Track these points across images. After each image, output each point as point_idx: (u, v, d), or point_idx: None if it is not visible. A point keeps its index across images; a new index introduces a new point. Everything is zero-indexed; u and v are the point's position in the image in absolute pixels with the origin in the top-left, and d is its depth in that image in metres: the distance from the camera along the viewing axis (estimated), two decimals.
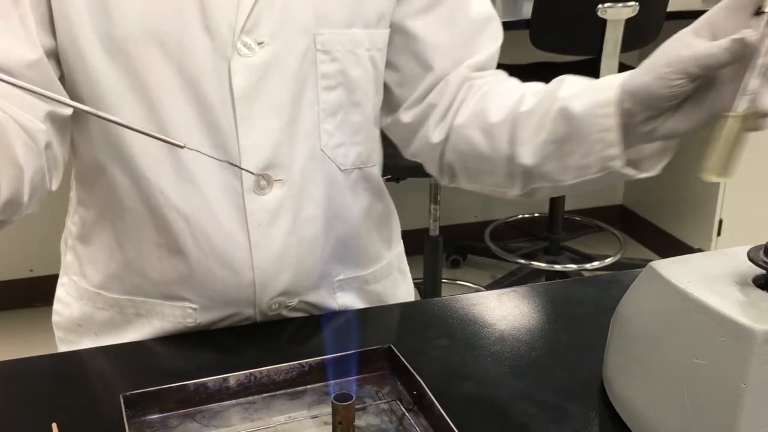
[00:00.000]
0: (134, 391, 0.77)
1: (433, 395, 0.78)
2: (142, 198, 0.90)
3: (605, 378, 0.83)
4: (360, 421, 0.78)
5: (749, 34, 0.68)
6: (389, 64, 0.98)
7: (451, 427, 0.73)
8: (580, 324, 0.98)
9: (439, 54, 0.96)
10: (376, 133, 1.00)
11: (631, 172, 0.81)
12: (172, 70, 0.85)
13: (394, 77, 0.99)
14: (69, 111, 0.88)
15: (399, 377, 0.83)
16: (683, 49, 0.72)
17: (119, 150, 0.88)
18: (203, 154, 0.80)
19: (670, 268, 0.74)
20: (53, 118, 0.86)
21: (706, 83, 0.72)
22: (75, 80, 0.86)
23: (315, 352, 0.90)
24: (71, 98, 0.86)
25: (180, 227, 0.90)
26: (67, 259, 1.01)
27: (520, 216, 3.34)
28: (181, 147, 0.69)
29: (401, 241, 1.13)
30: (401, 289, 1.11)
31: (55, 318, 1.03)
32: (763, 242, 0.70)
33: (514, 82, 0.97)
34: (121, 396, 0.76)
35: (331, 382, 0.84)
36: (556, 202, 3.03)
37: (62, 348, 1.02)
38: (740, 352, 0.65)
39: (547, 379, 0.87)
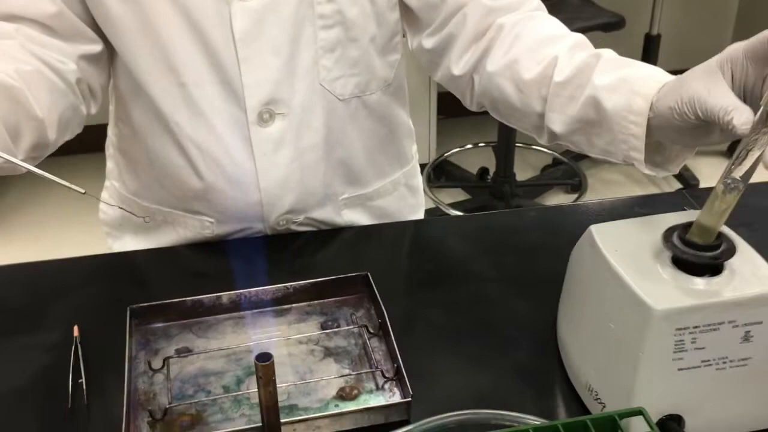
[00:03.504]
0: (140, 304, 0.91)
1: (402, 321, 0.88)
2: (162, 126, 1.00)
3: (557, 319, 0.91)
4: (330, 342, 0.90)
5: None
6: None
7: (397, 357, 0.84)
8: None
9: None
10: (379, 63, 1.04)
11: (651, 171, 0.84)
12: (177, 14, 0.93)
13: (415, 2, 1.03)
14: (99, 48, 0.98)
15: (371, 303, 0.94)
16: (702, 90, 0.72)
17: (137, 84, 0.98)
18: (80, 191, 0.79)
19: (606, 234, 0.80)
20: (85, 58, 0.97)
21: None
22: (99, 24, 0.96)
23: (317, 264, 1.02)
24: (102, 39, 0.97)
25: (194, 154, 1.00)
26: (109, 165, 1.15)
27: None
28: (82, 193, 0.76)
29: (415, 159, 1.20)
30: (407, 203, 1.19)
31: (101, 215, 1.18)
32: None
33: (547, 26, 0.97)
34: (128, 308, 0.91)
35: (314, 302, 0.95)
36: None
37: (109, 240, 1.17)
38: (641, 325, 0.72)
39: (519, 309, 0.95)
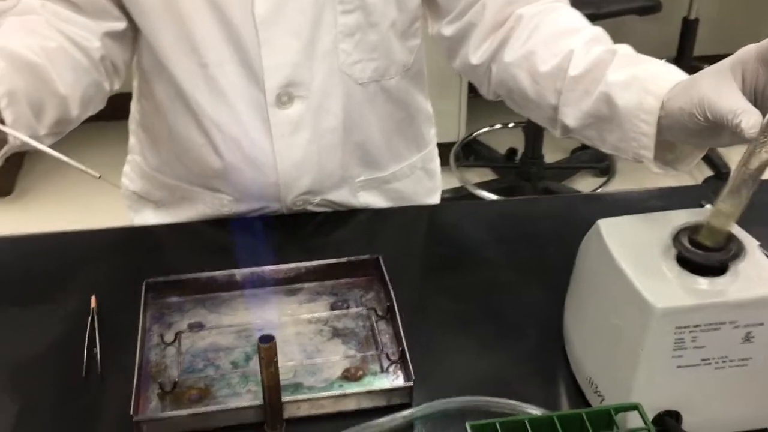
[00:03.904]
0: (155, 279, 0.94)
1: (411, 305, 0.90)
2: (183, 105, 1.02)
3: (564, 310, 0.92)
4: (339, 323, 0.92)
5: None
6: None
7: (402, 341, 0.85)
8: None
9: None
10: (398, 48, 1.05)
11: (661, 170, 0.84)
12: None
13: None
14: (123, 26, 0.99)
15: (381, 286, 0.95)
16: (712, 91, 0.72)
17: (159, 62, 1.00)
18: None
19: (613, 229, 0.80)
20: (109, 35, 0.98)
21: None
22: (123, 2, 0.97)
23: (331, 245, 1.04)
24: (126, 17, 0.99)
25: (214, 133, 1.02)
26: (131, 140, 1.17)
27: None
28: (97, 177, 0.77)
29: (432, 142, 1.21)
30: (424, 186, 1.20)
31: (123, 190, 1.20)
32: None
33: (566, 18, 0.97)
34: (144, 282, 0.93)
35: (326, 283, 0.97)
36: None
37: (131, 214, 1.20)
38: (641, 323, 0.72)
39: (529, 298, 0.96)
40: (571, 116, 0.90)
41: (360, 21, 0.99)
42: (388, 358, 0.86)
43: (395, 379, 0.84)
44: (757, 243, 0.77)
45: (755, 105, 0.70)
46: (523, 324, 0.93)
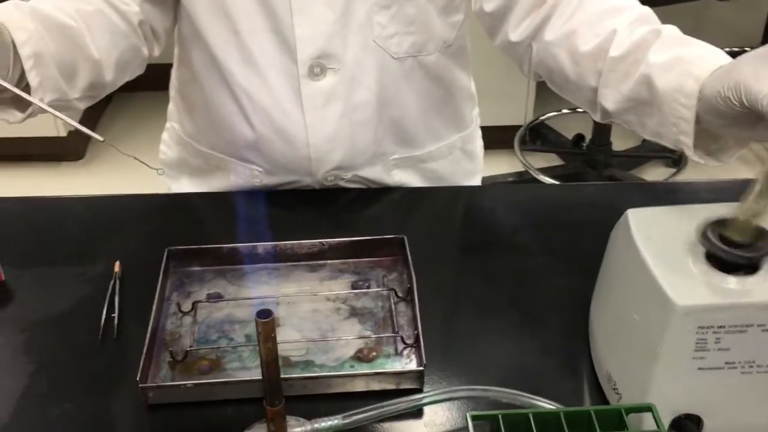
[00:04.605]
0: (177, 247, 0.93)
1: (434, 288, 0.87)
2: (217, 73, 1.01)
3: (591, 302, 0.88)
4: (357, 302, 0.90)
5: None
6: None
7: (418, 324, 0.82)
8: None
9: None
10: (438, 23, 1.01)
11: (702, 159, 0.79)
12: None
13: None
14: None
15: (405, 267, 0.92)
16: (750, 74, 0.68)
17: (195, 29, 0.99)
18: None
19: (641, 221, 0.76)
20: (148, 0, 0.98)
21: None
22: None
23: (360, 222, 1.02)
24: None
25: (246, 102, 1.01)
26: (170, 107, 1.17)
27: None
28: (101, 141, 0.77)
29: (474, 123, 1.17)
30: (463, 168, 1.16)
31: (161, 156, 1.20)
32: None
33: None
34: (166, 249, 0.92)
35: (349, 260, 0.95)
36: None
37: (168, 181, 1.20)
38: (662, 320, 0.68)
39: (557, 287, 0.92)
40: (610, 99, 0.86)
41: None
42: (403, 341, 0.84)
43: (408, 363, 0.82)
44: None
45: None
46: (549, 314, 0.89)
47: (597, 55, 0.86)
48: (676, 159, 2.81)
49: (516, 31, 0.96)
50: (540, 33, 0.94)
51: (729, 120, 0.72)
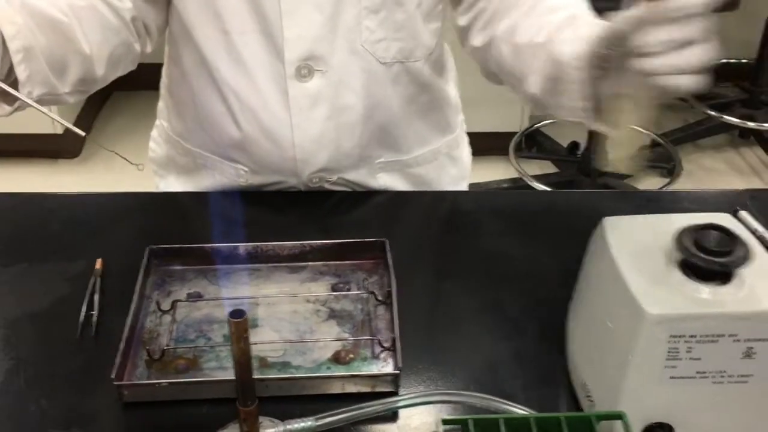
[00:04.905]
0: (159, 246, 0.93)
1: (413, 292, 0.87)
2: (206, 72, 1.01)
3: (568, 309, 0.88)
4: (337, 305, 0.90)
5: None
6: None
7: (395, 328, 0.83)
8: None
9: None
10: (423, 30, 1.02)
11: (602, 128, 0.81)
12: None
13: None
14: None
15: (386, 270, 0.93)
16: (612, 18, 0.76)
17: (185, 27, 0.99)
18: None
19: (617, 229, 0.76)
20: None
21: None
22: None
23: (345, 225, 1.02)
24: None
25: (233, 102, 1.01)
26: (160, 105, 1.17)
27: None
28: (83, 135, 0.77)
29: (459, 128, 1.18)
30: (448, 173, 1.17)
31: (150, 154, 1.20)
32: None
33: None
34: (147, 248, 0.93)
35: (330, 263, 0.95)
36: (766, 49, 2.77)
37: (156, 179, 1.20)
38: (633, 328, 0.69)
39: (536, 295, 0.93)
40: (533, 83, 0.90)
41: None
42: (380, 344, 0.84)
43: (383, 367, 0.82)
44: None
45: None
46: (527, 321, 0.89)
47: (529, 45, 0.90)
48: (669, 169, 2.81)
49: (478, 36, 1.00)
50: (493, 32, 0.97)
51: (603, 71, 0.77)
